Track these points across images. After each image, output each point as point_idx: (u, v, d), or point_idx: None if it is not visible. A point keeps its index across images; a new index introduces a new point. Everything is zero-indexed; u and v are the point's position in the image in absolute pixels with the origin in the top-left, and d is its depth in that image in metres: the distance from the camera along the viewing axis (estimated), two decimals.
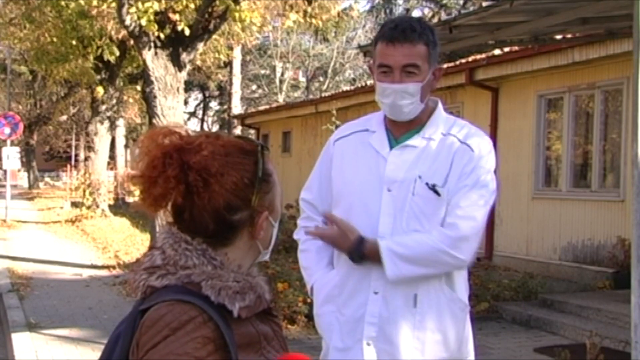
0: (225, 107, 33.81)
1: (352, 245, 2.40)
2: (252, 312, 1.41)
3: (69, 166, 34.28)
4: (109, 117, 19.84)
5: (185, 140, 1.43)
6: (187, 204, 1.41)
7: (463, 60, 12.73)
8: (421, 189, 2.40)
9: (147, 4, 9.88)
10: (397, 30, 2.36)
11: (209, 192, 1.39)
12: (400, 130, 2.49)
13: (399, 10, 33.05)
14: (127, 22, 10.15)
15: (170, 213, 1.45)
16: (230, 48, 20.94)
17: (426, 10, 31.86)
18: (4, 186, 20.53)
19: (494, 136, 11.40)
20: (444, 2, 30.10)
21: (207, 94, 43.70)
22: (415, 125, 2.48)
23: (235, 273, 1.43)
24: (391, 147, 2.48)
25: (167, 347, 1.30)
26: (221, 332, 1.34)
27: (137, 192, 1.45)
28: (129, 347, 1.38)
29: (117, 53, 16.96)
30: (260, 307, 1.44)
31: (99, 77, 19.00)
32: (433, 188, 2.40)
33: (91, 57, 17.88)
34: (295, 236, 2.70)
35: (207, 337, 1.33)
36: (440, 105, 2.54)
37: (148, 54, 10.43)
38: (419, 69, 2.37)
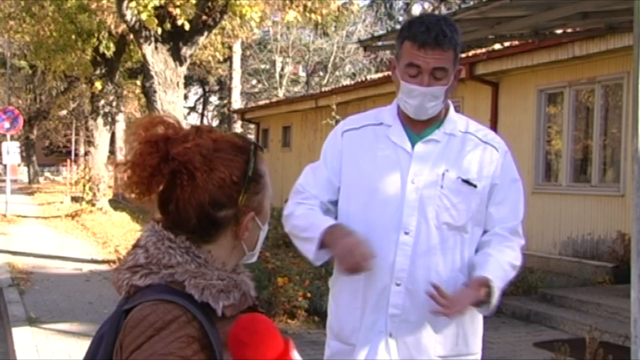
0: (225, 101, 33.81)
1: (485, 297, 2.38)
2: (237, 310, 1.39)
3: (68, 161, 34.30)
4: (108, 112, 19.83)
5: (174, 131, 1.42)
6: (173, 195, 1.40)
7: (463, 55, 12.69)
8: (450, 182, 2.42)
9: None
10: (429, 36, 2.36)
11: (193, 186, 1.37)
12: (417, 126, 2.50)
13: (399, 5, 33.02)
14: (128, 17, 10.16)
15: (156, 204, 1.43)
16: (229, 47, 20.94)
17: (426, 5, 31.82)
18: (4, 181, 20.53)
19: (494, 131, 11.40)
20: None
21: (207, 89, 43.68)
22: (432, 122, 2.50)
23: (219, 271, 1.40)
24: (411, 141, 2.48)
25: (151, 348, 1.29)
26: (205, 331, 1.32)
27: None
28: (113, 348, 1.36)
29: (114, 49, 16.98)
30: (245, 304, 1.42)
31: (97, 71, 19.01)
32: (467, 181, 2.42)
33: (89, 51, 17.90)
34: (285, 211, 2.56)
35: (192, 336, 1.31)
36: (452, 105, 2.57)
37: (148, 49, 10.43)
38: (447, 72, 2.40)
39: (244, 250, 1.48)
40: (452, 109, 2.56)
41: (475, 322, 2.52)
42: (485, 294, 2.33)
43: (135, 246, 1.45)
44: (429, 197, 2.41)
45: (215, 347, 1.32)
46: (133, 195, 1.42)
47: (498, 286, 2.36)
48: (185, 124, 1.46)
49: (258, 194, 1.46)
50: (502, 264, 2.41)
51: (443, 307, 2.29)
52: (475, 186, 2.43)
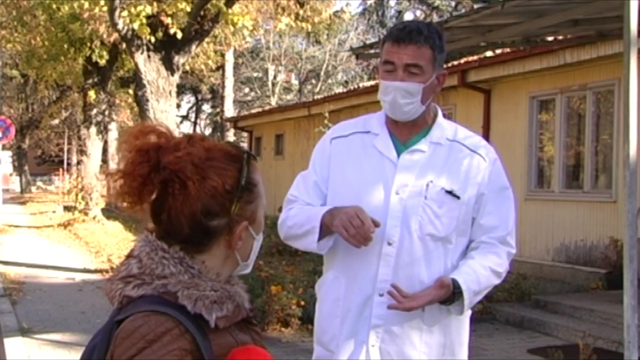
0: (218, 110, 33.85)
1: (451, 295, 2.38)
2: (230, 321, 1.38)
3: (61, 170, 34.23)
4: (100, 121, 19.83)
5: (165, 140, 1.40)
6: (165, 205, 1.38)
7: (455, 62, 12.78)
8: (434, 193, 2.40)
9: (139, 8, 9.90)
10: (404, 31, 2.39)
11: (185, 195, 1.36)
12: (404, 133, 2.49)
13: (391, 13, 33.17)
14: (120, 26, 10.17)
15: (149, 214, 1.42)
16: (222, 54, 20.99)
17: (418, 13, 31.97)
18: None
19: (486, 138, 11.43)
20: (436, 4, 30.23)
21: (199, 97, 43.73)
22: (419, 129, 2.49)
23: (212, 282, 1.39)
24: (397, 151, 2.46)
25: None
26: (198, 344, 1.31)
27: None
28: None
29: (107, 57, 17.00)
30: (239, 316, 1.41)
31: (90, 80, 19.02)
32: (451, 192, 2.40)
33: (80, 60, 17.91)
34: (279, 220, 2.55)
35: (185, 349, 1.30)
36: (440, 112, 2.56)
37: (140, 58, 10.44)
38: (422, 70, 2.38)
39: (238, 260, 1.46)
40: (440, 115, 2.54)
41: (461, 332, 2.50)
42: (447, 294, 2.34)
43: (128, 256, 1.43)
44: (412, 208, 2.40)
45: None
46: (125, 205, 1.41)
47: (470, 288, 2.36)
48: (177, 133, 1.45)
49: (251, 203, 1.44)
50: (479, 268, 2.40)
51: (399, 302, 2.32)
52: (458, 197, 2.41)
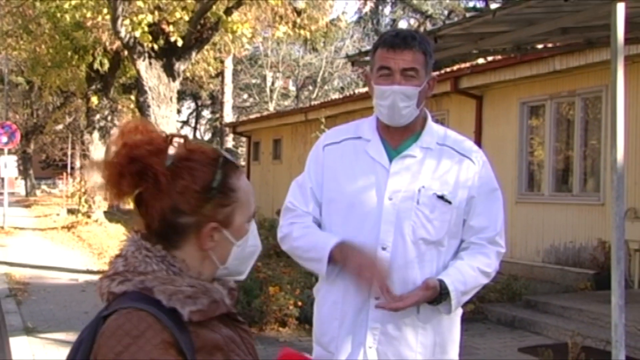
0: (217, 115, 33.89)
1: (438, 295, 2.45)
2: (206, 316, 1.40)
3: (65, 174, 34.23)
4: (103, 127, 19.97)
5: (149, 137, 1.44)
6: (142, 198, 1.44)
7: (448, 69, 12.86)
8: (426, 198, 2.44)
9: (141, 16, 10.07)
10: (398, 38, 2.44)
11: (157, 189, 1.40)
12: (395, 139, 2.52)
13: (385, 21, 33.22)
14: (122, 34, 10.32)
15: (133, 205, 1.48)
16: (221, 61, 21.11)
17: (412, 21, 32.03)
18: (1, 194, 20.54)
19: (478, 142, 11.59)
20: (429, 13, 30.33)
21: (199, 103, 43.71)
22: (409, 133, 2.53)
23: (191, 279, 1.42)
24: (389, 156, 2.50)
25: (132, 357, 1.30)
26: (176, 338, 1.34)
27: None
28: (90, 354, 1.38)
29: (108, 65, 17.15)
30: (217, 311, 1.43)
31: (93, 87, 19.19)
32: (442, 197, 2.44)
33: (83, 67, 18.07)
34: (280, 233, 2.59)
35: (168, 342, 1.33)
36: (429, 116, 2.60)
37: (142, 65, 10.60)
38: (418, 74, 2.43)
39: (216, 263, 1.48)
40: (429, 120, 2.58)
41: (453, 331, 2.57)
42: (434, 294, 2.40)
43: (117, 256, 1.48)
44: (405, 213, 2.43)
45: (187, 352, 1.34)
46: (108, 195, 1.45)
47: (458, 288, 2.42)
48: (162, 132, 1.54)
49: (226, 207, 1.45)
50: (467, 269, 2.46)
51: (387, 302, 2.40)
52: (450, 202, 2.45)
